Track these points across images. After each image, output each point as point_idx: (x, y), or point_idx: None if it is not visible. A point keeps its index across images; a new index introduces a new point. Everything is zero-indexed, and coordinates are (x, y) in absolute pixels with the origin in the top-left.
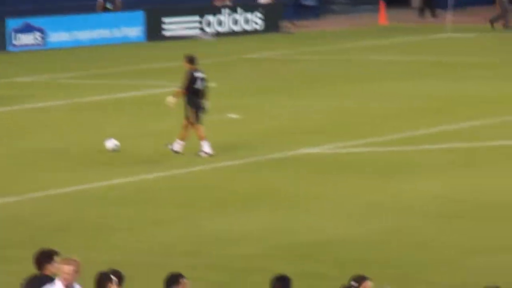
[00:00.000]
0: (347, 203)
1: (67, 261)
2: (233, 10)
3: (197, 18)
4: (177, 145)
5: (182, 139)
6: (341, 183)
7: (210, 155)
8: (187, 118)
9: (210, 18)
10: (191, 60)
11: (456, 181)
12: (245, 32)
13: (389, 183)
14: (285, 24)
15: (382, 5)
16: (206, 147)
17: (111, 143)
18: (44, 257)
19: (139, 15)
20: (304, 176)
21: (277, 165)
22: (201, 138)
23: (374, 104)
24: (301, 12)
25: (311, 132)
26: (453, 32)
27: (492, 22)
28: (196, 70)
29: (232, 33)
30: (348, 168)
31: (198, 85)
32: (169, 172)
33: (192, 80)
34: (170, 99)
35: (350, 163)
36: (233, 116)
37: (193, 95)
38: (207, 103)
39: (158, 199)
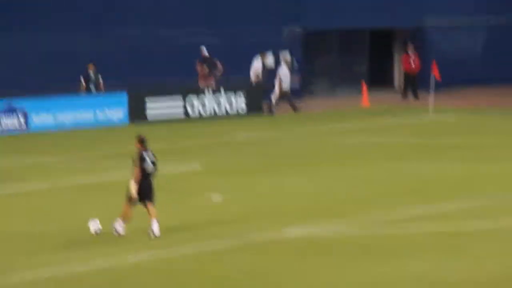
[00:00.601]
0: (331, 285)
1: None
2: (217, 91)
3: (180, 99)
4: (155, 227)
5: (152, 217)
6: (325, 265)
7: (119, 235)
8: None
9: (194, 100)
10: (141, 141)
11: (439, 264)
12: (228, 114)
13: (373, 264)
14: (266, 106)
15: (364, 87)
16: (119, 227)
17: (94, 225)
18: None
19: (123, 97)
20: (288, 258)
21: (260, 247)
22: (123, 217)
23: (356, 185)
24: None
25: (294, 214)
26: (435, 114)
27: None
28: (146, 151)
29: (215, 115)
30: (331, 250)
31: (147, 166)
32: (150, 255)
33: (142, 160)
34: (133, 186)
35: (333, 245)
36: (217, 197)
37: (140, 176)
38: (154, 184)
39: (139, 283)
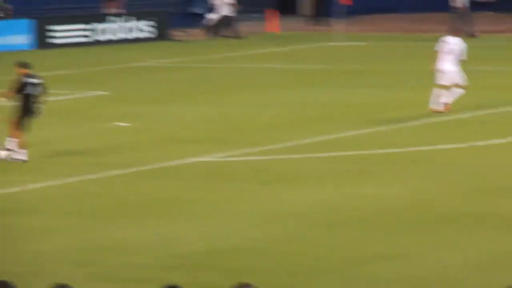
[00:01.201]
0: (236, 211)
1: None
2: (125, 18)
3: (87, 26)
4: (21, 154)
5: (23, 147)
6: (231, 191)
7: (24, 161)
8: (12, 123)
9: (100, 26)
10: (22, 65)
11: (343, 189)
12: (136, 40)
13: (278, 191)
14: (176, 32)
15: (272, 13)
16: (23, 155)
17: (4, 152)
18: None
19: (28, 23)
20: (194, 184)
21: (167, 174)
22: (22, 145)
23: (264, 112)
24: (189, 20)
25: (202, 141)
26: (343, 41)
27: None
28: (28, 76)
29: (124, 41)
30: (237, 177)
31: (29, 90)
32: (58, 181)
33: (21, 85)
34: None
35: (239, 172)
36: (124, 124)
37: (23, 100)
38: (41, 108)
39: (47, 208)
